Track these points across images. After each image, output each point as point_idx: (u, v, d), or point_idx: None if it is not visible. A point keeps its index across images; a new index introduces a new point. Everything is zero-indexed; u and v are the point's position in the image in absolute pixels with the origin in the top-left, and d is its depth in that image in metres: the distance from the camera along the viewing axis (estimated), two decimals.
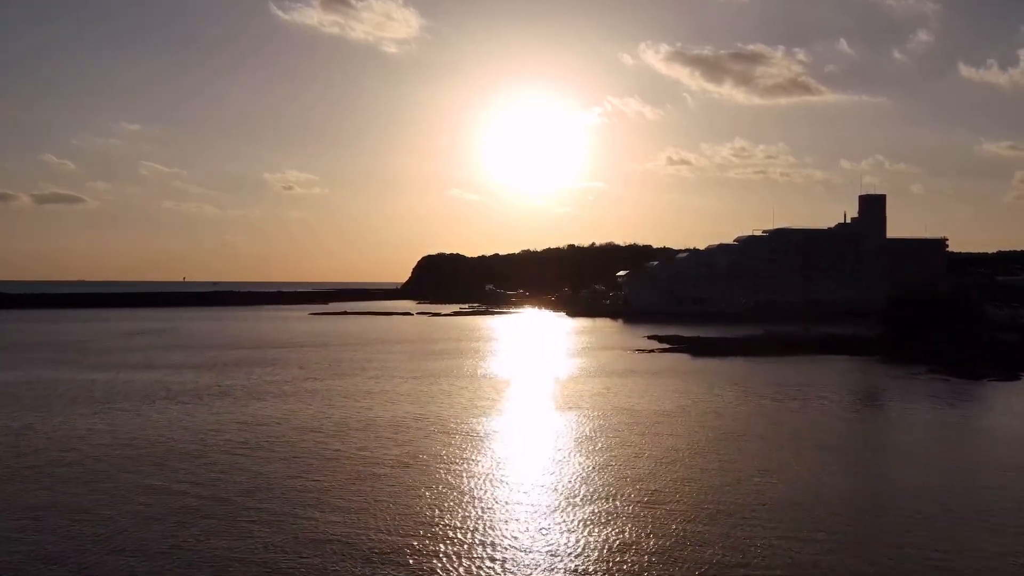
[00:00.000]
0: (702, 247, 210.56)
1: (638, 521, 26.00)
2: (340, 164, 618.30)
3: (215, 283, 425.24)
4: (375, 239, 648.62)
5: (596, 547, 23.66)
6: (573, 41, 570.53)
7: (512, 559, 22.71)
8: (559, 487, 30.18)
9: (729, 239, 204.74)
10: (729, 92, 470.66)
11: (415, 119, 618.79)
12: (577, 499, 28.53)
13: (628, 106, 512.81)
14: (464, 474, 32.12)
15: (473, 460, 34.58)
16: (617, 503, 28.01)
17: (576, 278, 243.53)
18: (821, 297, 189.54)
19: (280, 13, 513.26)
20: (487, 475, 32.07)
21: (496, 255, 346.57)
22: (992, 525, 25.84)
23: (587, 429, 41.63)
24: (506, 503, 28.14)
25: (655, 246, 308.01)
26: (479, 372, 67.76)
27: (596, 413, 46.44)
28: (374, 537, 24.43)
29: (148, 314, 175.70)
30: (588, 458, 34.95)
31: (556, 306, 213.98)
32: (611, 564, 22.33)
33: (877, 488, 30.83)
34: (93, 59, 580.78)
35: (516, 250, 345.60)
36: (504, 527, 25.48)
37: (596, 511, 27.06)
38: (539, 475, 32.10)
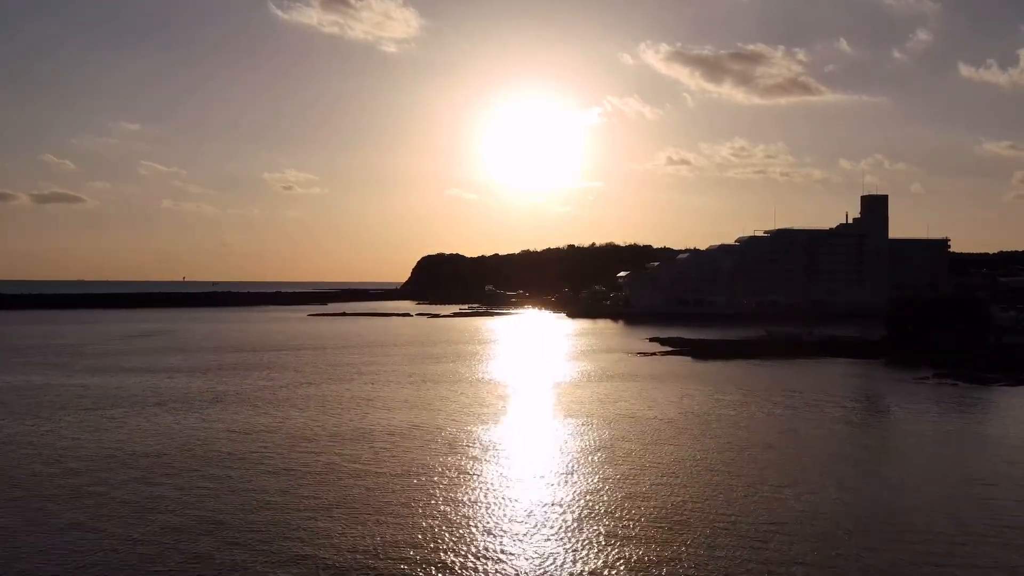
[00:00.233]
0: (702, 247, 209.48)
1: (645, 543, 24.82)
2: (339, 164, 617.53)
3: (214, 283, 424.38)
4: (374, 238, 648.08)
5: (603, 571, 22.49)
6: (573, 41, 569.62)
7: None
8: (563, 505, 28.97)
9: (729, 239, 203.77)
10: (729, 92, 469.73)
11: (414, 118, 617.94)
12: (580, 518, 27.32)
13: (628, 106, 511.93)
14: (462, 492, 30.90)
15: (471, 476, 33.35)
16: (623, 523, 26.80)
17: (576, 278, 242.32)
18: (823, 298, 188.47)
19: (279, 13, 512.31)
20: (487, 493, 30.84)
21: (496, 255, 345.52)
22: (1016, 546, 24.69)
23: (589, 440, 40.43)
24: (507, 523, 26.94)
25: (655, 246, 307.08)
26: (478, 377, 66.56)
27: (598, 421, 45.23)
28: (363, 563, 23.25)
29: (147, 315, 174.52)
30: (590, 473, 33.72)
31: (556, 307, 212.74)
32: None
33: (891, 505, 29.56)
34: (93, 59, 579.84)
35: (516, 250, 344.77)
36: (505, 550, 24.29)
37: (599, 531, 25.86)
38: (541, 493, 30.87)
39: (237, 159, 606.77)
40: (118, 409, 48.64)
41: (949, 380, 64.18)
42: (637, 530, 25.88)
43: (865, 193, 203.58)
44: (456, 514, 27.60)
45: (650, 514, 27.54)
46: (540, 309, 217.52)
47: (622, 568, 22.68)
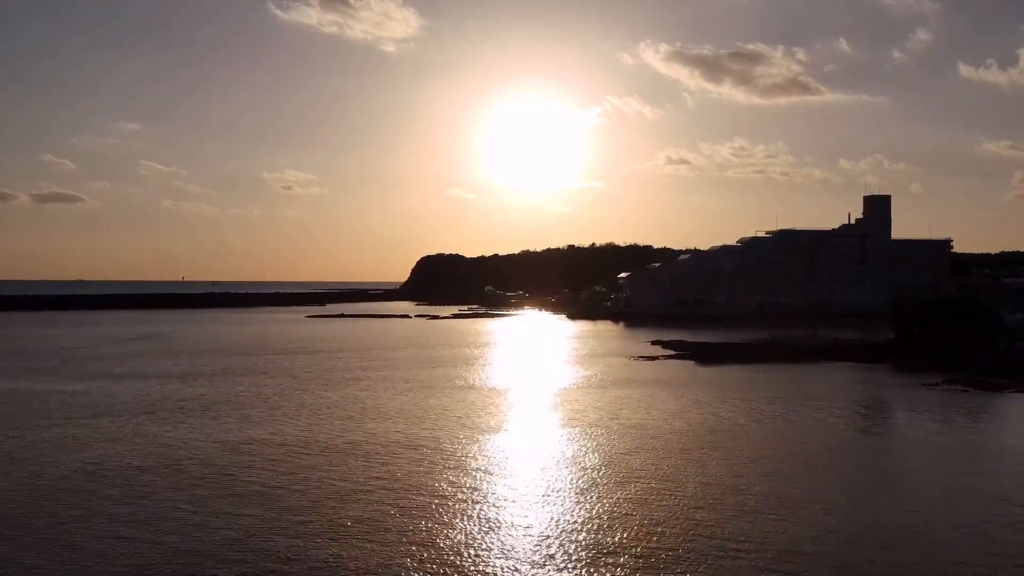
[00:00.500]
0: (703, 247, 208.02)
1: (655, 569, 23.30)
2: (339, 163, 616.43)
3: (214, 283, 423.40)
4: (374, 238, 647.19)
5: None
6: (572, 40, 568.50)
7: None
8: (569, 531, 27.42)
9: (729, 239, 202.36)
10: (728, 92, 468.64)
11: (414, 118, 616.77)
12: (590, 545, 25.79)
13: (627, 105, 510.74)
14: (460, 515, 29.30)
15: (470, 495, 31.71)
16: (639, 550, 25.27)
17: (576, 279, 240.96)
18: (824, 298, 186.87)
19: (279, 12, 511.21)
20: (486, 515, 29.25)
21: (495, 255, 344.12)
22: None
23: (592, 455, 38.83)
24: (511, 551, 25.39)
25: (655, 246, 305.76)
26: (476, 383, 64.96)
27: (602, 433, 43.65)
28: None
29: (145, 317, 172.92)
30: (595, 494, 32.09)
31: (556, 308, 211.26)
32: None
33: (918, 526, 27.97)
34: (92, 59, 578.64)
35: (515, 250, 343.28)
36: None
37: (614, 561, 24.33)
38: (545, 517, 29.29)
39: (237, 159, 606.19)
40: (104, 419, 47.03)
41: (959, 386, 62.58)
42: (653, 560, 24.31)
43: (865, 193, 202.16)
44: (453, 538, 26.05)
45: (665, 543, 25.95)
46: (540, 310, 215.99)
47: None
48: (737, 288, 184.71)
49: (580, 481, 33.08)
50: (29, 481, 32.93)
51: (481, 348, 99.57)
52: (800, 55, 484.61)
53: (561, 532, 26.57)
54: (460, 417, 48.11)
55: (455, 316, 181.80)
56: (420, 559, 24.03)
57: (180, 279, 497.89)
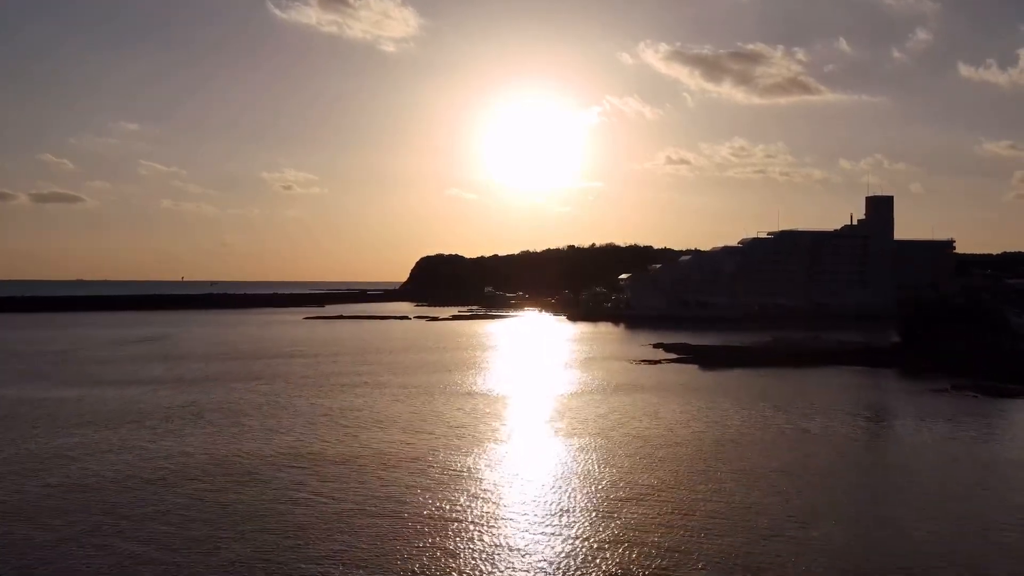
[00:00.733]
0: (703, 247, 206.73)
1: None
2: (338, 163, 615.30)
3: (213, 283, 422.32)
4: (373, 238, 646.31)
5: None
6: (572, 40, 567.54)
7: None
8: (571, 554, 26.05)
9: (729, 239, 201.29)
10: (728, 91, 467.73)
11: (413, 118, 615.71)
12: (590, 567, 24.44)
13: (627, 105, 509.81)
14: (458, 539, 27.93)
15: (467, 517, 30.33)
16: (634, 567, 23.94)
17: (576, 279, 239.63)
18: (827, 300, 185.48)
19: (278, 12, 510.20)
20: (485, 545, 27.88)
21: (495, 256, 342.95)
22: None
23: (595, 467, 37.43)
24: None
25: (656, 247, 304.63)
26: (475, 390, 63.54)
27: (603, 443, 42.28)
28: None
29: (142, 318, 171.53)
30: (600, 514, 30.76)
31: (556, 309, 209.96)
32: None
33: (940, 556, 26.63)
34: (91, 58, 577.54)
35: (515, 251, 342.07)
36: None
37: None
38: (545, 540, 27.93)
39: (236, 159, 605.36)
40: (91, 428, 45.64)
41: (969, 392, 61.20)
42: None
43: (864, 193, 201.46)
44: (451, 565, 24.69)
45: (681, 572, 24.60)
46: (540, 311, 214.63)
47: None
48: (738, 289, 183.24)
49: (584, 500, 31.69)
50: (5, 499, 31.54)
51: (481, 351, 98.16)
52: (800, 55, 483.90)
53: (566, 557, 25.21)
54: (458, 428, 46.70)
55: (454, 317, 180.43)
56: None
57: (180, 279, 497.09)
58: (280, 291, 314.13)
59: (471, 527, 27.96)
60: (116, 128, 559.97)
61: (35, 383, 65.03)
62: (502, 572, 23.88)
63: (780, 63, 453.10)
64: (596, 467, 36.80)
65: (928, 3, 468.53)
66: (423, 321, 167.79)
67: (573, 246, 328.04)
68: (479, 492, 32.53)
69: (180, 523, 28.21)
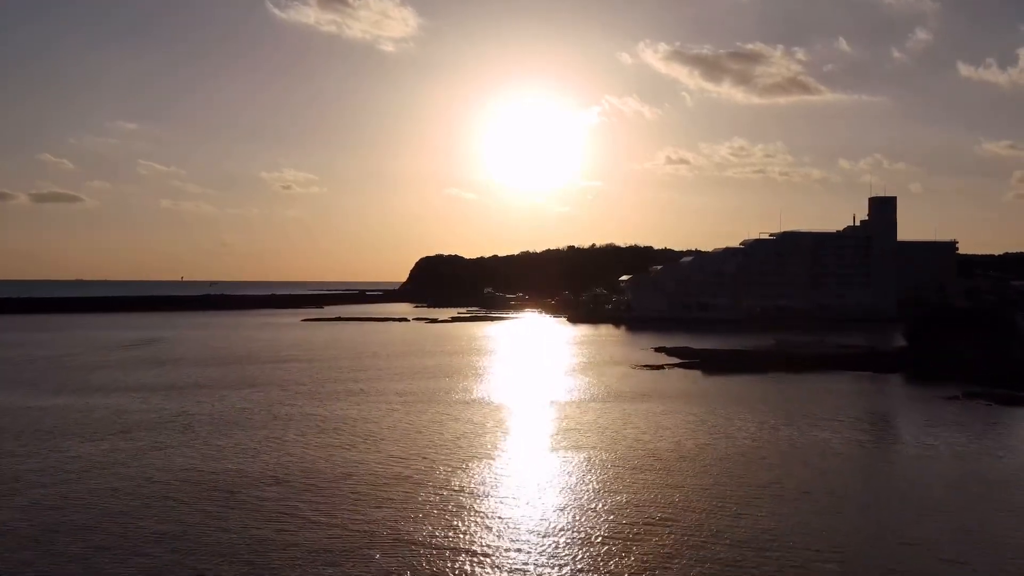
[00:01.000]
0: (704, 248, 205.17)
1: None
2: (338, 163, 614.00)
3: (212, 283, 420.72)
4: (373, 238, 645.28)
5: None
6: (571, 40, 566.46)
7: None
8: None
9: (728, 239, 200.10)
10: (728, 91, 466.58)
11: (413, 118, 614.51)
12: None
13: (627, 105, 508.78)
14: (454, 571, 26.30)
15: (464, 546, 28.72)
16: None
17: (576, 280, 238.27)
18: (828, 301, 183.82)
19: (277, 12, 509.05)
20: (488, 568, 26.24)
21: (495, 256, 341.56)
22: None
23: (597, 486, 35.74)
24: None
25: (656, 247, 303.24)
26: (474, 397, 61.83)
27: (607, 455, 40.62)
28: None
29: (138, 321, 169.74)
30: (605, 541, 29.12)
31: (556, 310, 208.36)
32: None
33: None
34: (90, 58, 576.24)
35: (515, 251, 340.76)
36: None
37: None
38: (549, 571, 26.29)
39: (236, 158, 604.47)
40: (73, 440, 43.95)
41: (981, 400, 59.54)
42: None
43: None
44: None
45: None
46: (540, 313, 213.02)
47: None
48: (740, 291, 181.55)
49: (588, 525, 29.98)
50: None
51: (480, 356, 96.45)
52: (800, 55, 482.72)
53: None
54: (455, 440, 44.96)
55: (454, 319, 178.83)
56: None
57: (179, 279, 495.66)
58: (279, 291, 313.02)
59: (466, 557, 26.32)
60: (115, 128, 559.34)
61: (22, 390, 63.34)
62: None
63: (780, 63, 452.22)
64: (600, 489, 35.02)
65: (928, 3, 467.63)
66: (422, 323, 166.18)
67: (573, 247, 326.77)
68: (474, 517, 30.84)
69: (152, 554, 26.54)
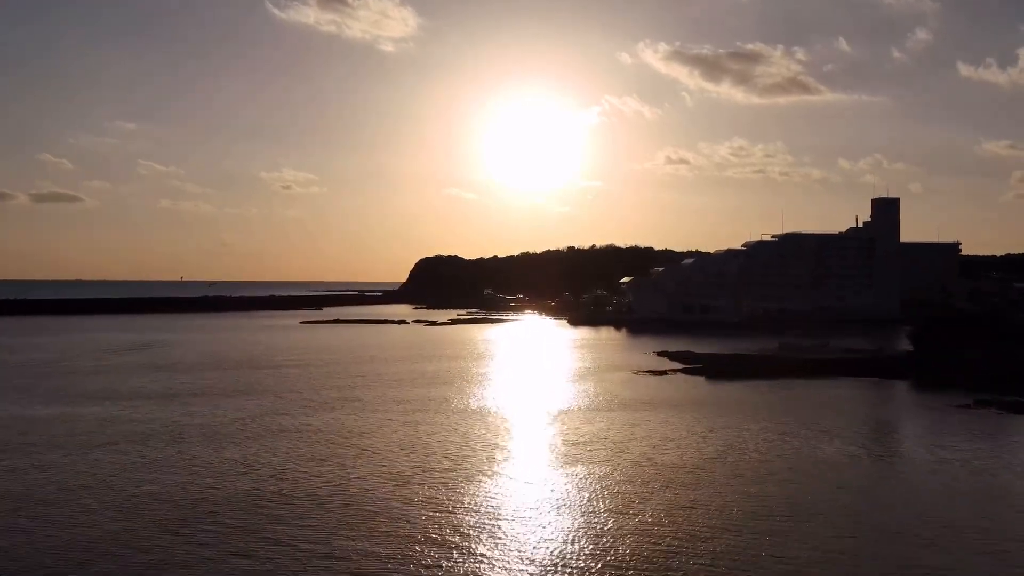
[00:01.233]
0: (704, 248, 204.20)
1: None
2: (337, 163, 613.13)
3: (211, 283, 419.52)
4: (373, 238, 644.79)
5: None
6: (571, 40, 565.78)
7: None
8: None
9: (729, 239, 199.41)
10: (728, 91, 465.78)
11: (413, 117, 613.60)
12: None
13: (626, 105, 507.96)
14: None
15: (459, 571, 27.32)
16: None
17: (576, 280, 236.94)
18: (831, 303, 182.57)
19: (276, 11, 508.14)
20: None
21: (495, 257, 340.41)
22: None
23: (600, 504, 34.27)
24: None
25: (656, 248, 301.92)
26: (474, 405, 60.33)
27: (609, 469, 39.20)
28: None
29: (135, 323, 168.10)
30: (612, 566, 27.71)
31: (556, 312, 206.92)
32: None
33: None
34: (90, 58, 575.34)
35: (515, 251, 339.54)
36: None
37: None
38: None
39: (235, 158, 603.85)
40: (59, 452, 42.48)
41: (993, 409, 58.12)
42: None
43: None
44: None
45: None
46: (540, 314, 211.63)
47: None
48: (742, 293, 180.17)
49: (594, 551, 28.56)
50: None
51: (480, 360, 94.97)
52: (800, 55, 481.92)
53: None
54: (454, 453, 43.47)
55: (453, 322, 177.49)
56: None
57: (179, 279, 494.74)
58: (279, 291, 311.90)
59: None
60: (114, 128, 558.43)
61: (11, 398, 61.87)
62: None
63: (779, 63, 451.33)
64: (600, 504, 33.59)
65: (928, 3, 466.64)
66: (421, 325, 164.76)
67: (573, 247, 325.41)
68: (472, 540, 29.42)
69: None
